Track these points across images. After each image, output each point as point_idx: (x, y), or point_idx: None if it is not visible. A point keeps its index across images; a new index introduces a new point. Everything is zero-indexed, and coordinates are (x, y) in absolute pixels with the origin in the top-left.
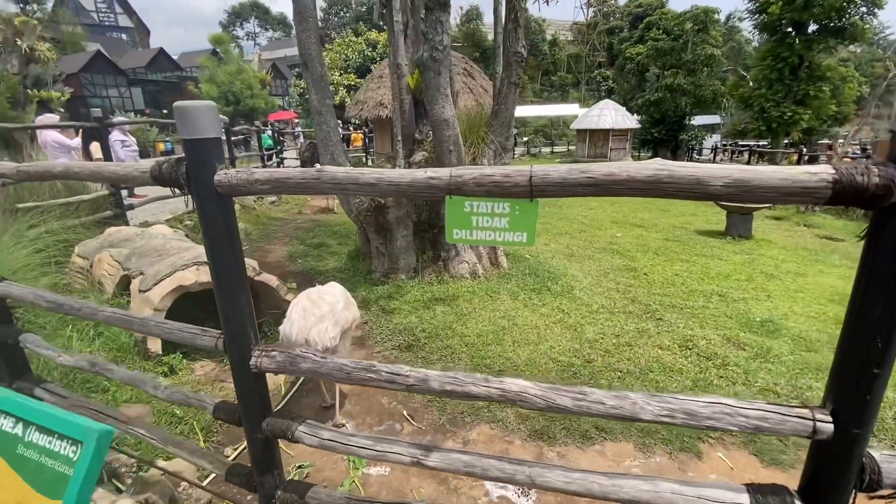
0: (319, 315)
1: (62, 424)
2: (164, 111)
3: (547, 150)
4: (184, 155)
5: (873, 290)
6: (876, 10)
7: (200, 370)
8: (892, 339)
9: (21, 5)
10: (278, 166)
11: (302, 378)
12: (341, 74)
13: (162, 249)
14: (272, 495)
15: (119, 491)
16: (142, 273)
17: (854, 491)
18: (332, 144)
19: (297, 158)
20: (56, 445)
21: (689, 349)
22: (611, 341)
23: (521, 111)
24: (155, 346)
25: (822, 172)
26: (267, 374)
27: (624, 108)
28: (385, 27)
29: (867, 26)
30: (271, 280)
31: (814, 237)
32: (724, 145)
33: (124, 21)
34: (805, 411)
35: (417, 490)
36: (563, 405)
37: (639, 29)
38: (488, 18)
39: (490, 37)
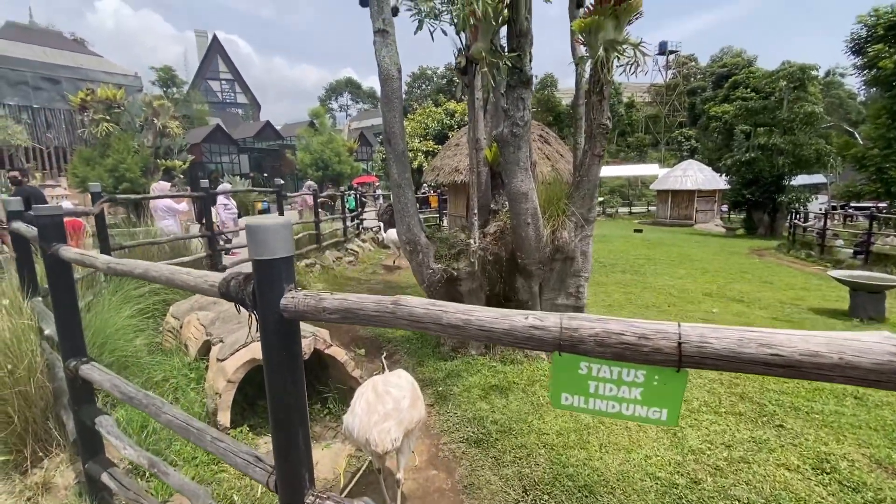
0: (384, 412)
1: None
2: (265, 174)
3: (625, 209)
4: (252, 272)
5: None
6: None
7: (264, 447)
8: None
9: (164, 88)
10: (358, 227)
11: (364, 467)
12: (420, 141)
13: (243, 315)
14: None
15: None
16: (221, 340)
17: None
18: (409, 216)
19: (375, 218)
20: None
21: (826, 473)
22: (720, 454)
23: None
24: (224, 418)
25: None
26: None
27: (710, 168)
28: (465, 100)
29: None
30: (339, 354)
31: None
32: (835, 207)
33: (241, 98)
34: None
35: None
36: None
37: (724, 88)
38: (562, 84)
39: (565, 101)
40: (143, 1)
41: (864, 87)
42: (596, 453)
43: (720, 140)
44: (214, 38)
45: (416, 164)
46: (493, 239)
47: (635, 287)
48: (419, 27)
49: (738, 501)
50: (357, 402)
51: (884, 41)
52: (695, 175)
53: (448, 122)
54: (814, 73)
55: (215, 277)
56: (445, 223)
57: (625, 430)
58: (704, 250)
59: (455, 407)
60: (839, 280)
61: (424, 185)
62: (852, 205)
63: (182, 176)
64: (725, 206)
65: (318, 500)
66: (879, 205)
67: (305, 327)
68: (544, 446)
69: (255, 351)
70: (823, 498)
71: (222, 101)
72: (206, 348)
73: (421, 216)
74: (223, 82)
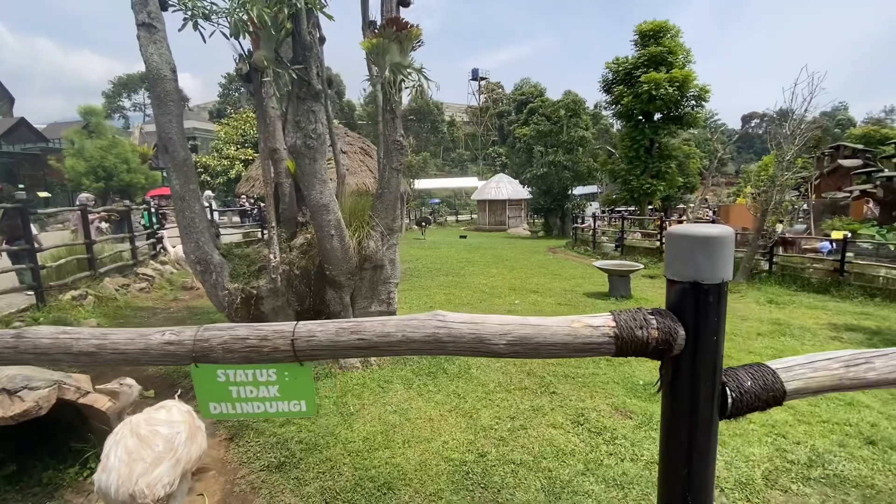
0: (153, 458)
1: None
2: (21, 185)
3: (453, 218)
4: None
5: (674, 446)
6: (703, 103)
7: None
8: (703, 493)
9: None
10: (155, 247)
11: None
12: (238, 149)
13: None
14: None
15: None
16: None
17: None
18: (197, 232)
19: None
20: None
21: (581, 424)
22: (505, 426)
23: (427, 184)
24: None
25: (603, 326)
26: None
27: (517, 181)
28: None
29: (698, 115)
30: (100, 401)
31: None
32: (603, 212)
33: None
34: None
35: None
36: None
37: (524, 113)
38: None
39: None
40: None
41: (613, 119)
42: (399, 450)
43: (524, 157)
44: None
45: (233, 174)
46: (301, 252)
47: (455, 288)
48: (184, 26)
49: (514, 464)
50: (112, 452)
51: (623, 83)
52: (506, 187)
53: None
54: (584, 105)
55: None
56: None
57: (428, 421)
58: (513, 251)
59: (257, 435)
60: (599, 268)
61: (242, 196)
62: (615, 209)
63: None
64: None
65: None
66: (630, 208)
67: (45, 374)
68: (349, 454)
69: None
70: (576, 445)
71: None
72: None
73: (241, 229)
74: None
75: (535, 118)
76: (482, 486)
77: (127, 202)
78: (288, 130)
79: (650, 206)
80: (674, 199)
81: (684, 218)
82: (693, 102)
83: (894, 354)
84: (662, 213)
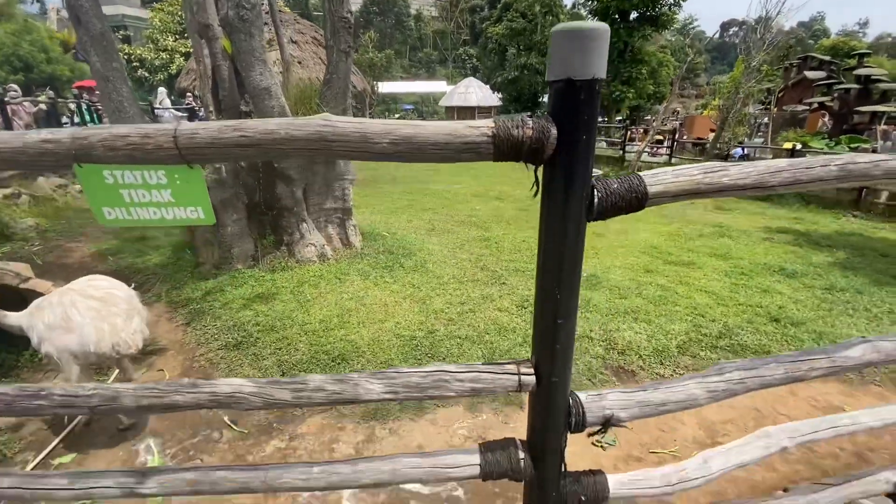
0: (125, 313)
1: None
2: None
3: None
4: None
5: (549, 243)
6: (681, 2)
7: None
8: (568, 291)
9: None
10: None
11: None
12: (176, 40)
13: None
14: None
15: None
16: None
17: (565, 432)
18: (129, 117)
19: None
20: None
21: (525, 308)
22: (455, 310)
23: (391, 87)
24: None
25: (482, 127)
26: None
27: (488, 87)
28: None
29: (675, 15)
30: (43, 286)
31: None
32: None
33: None
34: (512, 367)
35: None
36: (283, 398)
37: (497, 9)
38: None
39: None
40: None
41: (589, 16)
42: (354, 329)
43: (496, 59)
44: None
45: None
46: None
47: (418, 195)
48: None
49: (460, 339)
50: (71, 311)
51: None
52: (475, 92)
53: None
54: (562, 2)
55: None
56: None
57: (382, 306)
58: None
59: (214, 319)
60: None
61: (188, 95)
62: None
63: None
64: None
65: None
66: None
67: None
68: (306, 334)
69: None
70: (518, 324)
71: None
72: None
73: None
74: None
75: (510, 14)
76: (429, 355)
77: (52, 94)
78: (221, 3)
79: (618, 118)
80: (643, 111)
81: (650, 129)
82: (671, 2)
83: (747, 165)
84: (628, 122)
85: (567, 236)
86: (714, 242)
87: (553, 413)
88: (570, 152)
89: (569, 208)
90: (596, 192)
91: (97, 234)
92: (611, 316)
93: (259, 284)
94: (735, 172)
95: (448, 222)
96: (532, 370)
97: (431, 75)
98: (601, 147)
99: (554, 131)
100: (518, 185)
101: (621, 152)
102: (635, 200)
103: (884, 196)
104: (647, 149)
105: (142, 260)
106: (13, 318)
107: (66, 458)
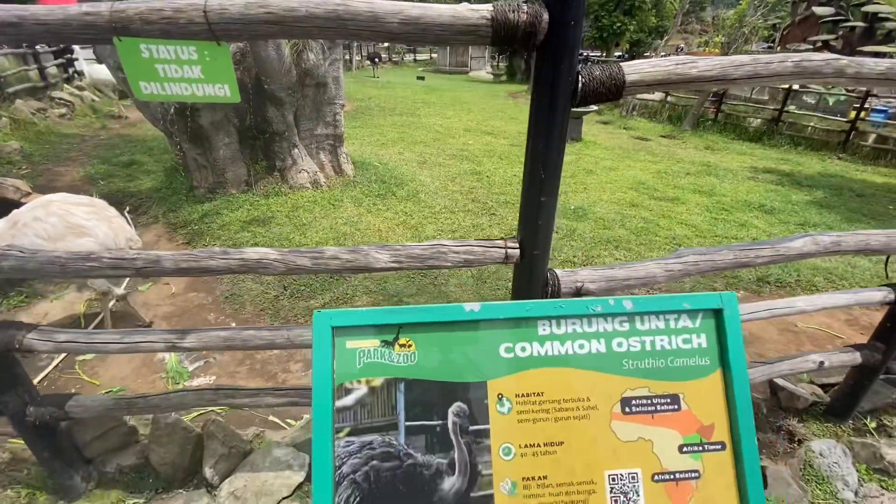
0: (120, 217)
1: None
2: None
3: (410, 57)
4: None
5: (537, 126)
6: None
7: None
8: (552, 170)
9: None
10: (68, 70)
11: (111, 304)
12: None
13: None
14: (23, 412)
15: None
16: None
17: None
18: None
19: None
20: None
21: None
22: (446, 237)
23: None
24: None
25: (482, 10)
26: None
27: None
28: None
29: None
30: None
31: (630, 138)
32: None
33: None
34: (500, 242)
35: None
36: (303, 265)
37: None
38: None
39: None
40: None
41: None
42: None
43: None
44: None
45: None
46: (234, 63)
47: (409, 128)
48: None
49: None
50: (72, 219)
51: None
52: None
53: None
54: None
55: None
56: None
57: (376, 232)
58: (473, 94)
59: (213, 240)
60: None
61: None
62: (583, 51)
63: None
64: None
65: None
66: (594, 53)
67: None
68: None
69: None
70: None
71: None
72: None
73: None
74: None
75: None
76: (419, 276)
77: None
78: None
79: (617, 54)
80: (643, 46)
81: None
82: None
83: (713, 58)
84: (627, 58)
85: (554, 120)
86: (700, 180)
87: (533, 283)
88: (559, 38)
89: (555, 93)
90: (580, 78)
91: (83, 158)
92: (594, 244)
93: (254, 208)
94: (703, 65)
95: (440, 156)
96: (517, 245)
97: None
98: None
99: (546, 16)
100: (511, 120)
101: None
102: (614, 87)
103: (871, 139)
104: None
105: (134, 184)
106: None
107: None
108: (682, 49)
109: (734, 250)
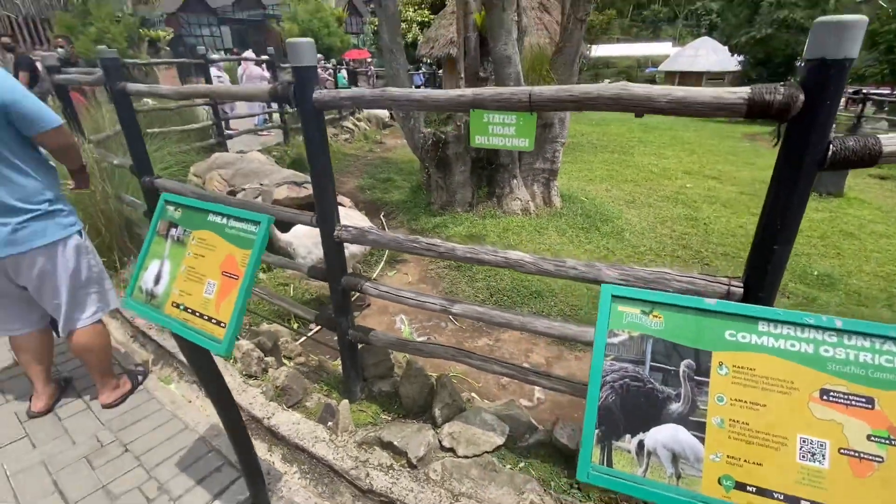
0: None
1: (248, 215)
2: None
3: None
4: (293, 79)
5: (779, 182)
6: None
7: None
8: (790, 221)
9: None
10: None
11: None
12: (415, 10)
13: (259, 171)
14: (346, 332)
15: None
16: (244, 189)
17: None
18: (400, 81)
19: None
20: (245, 225)
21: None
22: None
23: (606, 50)
24: None
25: (740, 92)
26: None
27: (725, 48)
28: None
29: None
30: (345, 201)
31: None
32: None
33: None
34: (724, 280)
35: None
36: (547, 269)
37: None
38: None
39: None
40: None
41: None
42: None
43: (744, 15)
44: None
45: (410, 38)
46: None
47: (620, 165)
48: None
49: None
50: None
51: None
52: (707, 55)
53: None
54: None
55: (266, 87)
56: None
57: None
58: (699, 134)
59: None
60: None
61: (422, 62)
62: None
63: (168, 48)
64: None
65: (342, 228)
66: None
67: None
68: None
69: (275, 194)
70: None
71: None
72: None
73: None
74: None
75: None
76: None
77: (334, 61)
78: None
79: None
80: None
81: None
82: None
83: None
84: None
85: (798, 181)
86: None
87: None
88: (813, 115)
89: (802, 158)
90: (832, 147)
91: (357, 172)
92: None
93: (472, 226)
94: None
95: (650, 196)
96: (741, 285)
97: (656, 35)
98: (881, 127)
99: (801, 97)
100: (745, 165)
101: None
102: (868, 157)
103: None
104: None
105: (388, 196)
106: (282, 239)
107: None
108: None
109: None
